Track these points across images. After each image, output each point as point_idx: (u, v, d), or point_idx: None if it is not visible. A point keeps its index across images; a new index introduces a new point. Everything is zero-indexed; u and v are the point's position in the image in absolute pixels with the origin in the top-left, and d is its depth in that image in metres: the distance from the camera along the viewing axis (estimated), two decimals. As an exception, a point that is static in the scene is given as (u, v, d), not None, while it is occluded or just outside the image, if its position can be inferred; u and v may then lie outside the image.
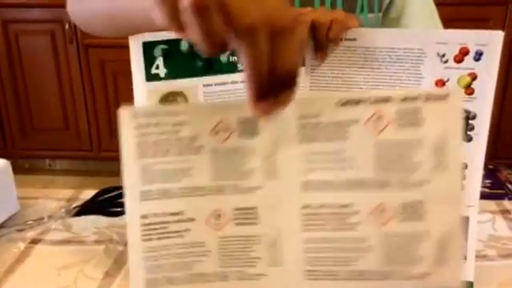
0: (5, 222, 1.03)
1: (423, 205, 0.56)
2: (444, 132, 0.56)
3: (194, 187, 0.58)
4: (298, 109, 0.56)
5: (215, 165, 0.57)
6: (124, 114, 0.57)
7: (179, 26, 0.44)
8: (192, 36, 0.43)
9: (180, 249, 0.59)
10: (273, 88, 0.45)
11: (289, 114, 0.54)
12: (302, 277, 0.59)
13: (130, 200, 0.58)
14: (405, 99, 0.55)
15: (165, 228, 0.58)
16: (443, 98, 0.55)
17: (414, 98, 0.55)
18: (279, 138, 0.56)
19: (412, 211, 0.57)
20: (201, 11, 0.41)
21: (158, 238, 0.58)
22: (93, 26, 0.87)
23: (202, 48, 0.44)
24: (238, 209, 0.58)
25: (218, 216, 0.58)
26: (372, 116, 0.56)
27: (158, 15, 0.45)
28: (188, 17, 0.42)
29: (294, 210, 0.58)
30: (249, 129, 0.56)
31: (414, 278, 0.57)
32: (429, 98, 0.55)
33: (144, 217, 0.58)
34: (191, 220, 0.58)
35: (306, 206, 0.58)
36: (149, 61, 0.74)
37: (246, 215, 0.58)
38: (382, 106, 0.56)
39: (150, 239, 0.58)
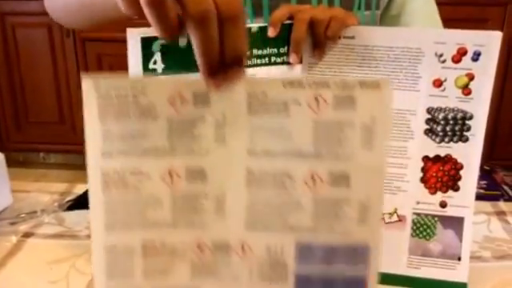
0: (-3, 214, 1.03)
1: (350, 175, 0.65)
2: (374, 116, 0.63)
3: (150, 149, 0.65)
4: (247, 86, 0.63)
5: (170, 130, 0.65)
6: (87, 82, 0.63)
7: (138, 13, 0.50)
8: (150, 21, 0.50)
9: (136, 200, 0.66)
10: (222, 66, 0.53)
11: (239, 90, 0.62)
12: (242, 228, 0.67)
13: (91, 159, 0.66)
14: (341, 85, 0.63)
15: (123, 183, 0.66)
16: (375, 86, 0.62)
17: (349, 85, 0.63)
18: (229, 111, 0.64)
19: (340, 180, 0.65)
20: (156, 5, 0.47)
21: (117, 191, 0.66)
22: (64, 19, 0.91)
23: (158, 32, 0.51)
24: (189, 168, 0.66)
25: (172, 174, 0.66)
26: (312, 98, 0.63)
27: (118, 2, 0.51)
28: (144, 7, 0.48)
29: (238, 173, 0.66)
30: (202, 101, 0.64)
31: (338, 233, 0.66)
32: (362, 85, 0.63)
33: (104, 172, 0.66)
34: (147, 177, 0.66)
35: (249, 170, 0.66)
36: (147, 56, 0.75)
37: (196, 175, 0.66)
38: (322, 90, 0.63)
39: (110, 191, 0.66)
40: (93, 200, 0.67)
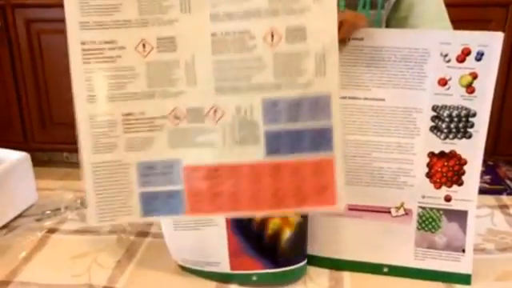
0: (24, 211, 1.06)
1: (305, 28, 0.71)
2: None
3: (123, 20, 0.72)
4: None
5: (140, 2, 0.72)
6: None
7: None
8: None
9: (114, 72, 0.73)
10: None
11: None
12: (212, 92, 0.74)
13: (70, 29, 0.73)
14: None
15: (101, 54, 0.73)
16: None
17: None
18: None
19: (296, 34, 0.72)
20: None
21: (96, 62, 0.73)
22: None
23: None
24: (160, 38, 0.73)
25: (144, 45, 0.73)
26: None
27: None
28: None
29: (204, 38, 0.73)
30: None
31: (299, 87, 0.73)
32: None
33: (83, 43, 0.73)
34: (122, 48, 0.73)
35: (214, 34, 0.72)
36: None
37: (167, 43, 0.73)
38: None
39: (89, 62, 0.73)
40: (75, 74, 0.74)
